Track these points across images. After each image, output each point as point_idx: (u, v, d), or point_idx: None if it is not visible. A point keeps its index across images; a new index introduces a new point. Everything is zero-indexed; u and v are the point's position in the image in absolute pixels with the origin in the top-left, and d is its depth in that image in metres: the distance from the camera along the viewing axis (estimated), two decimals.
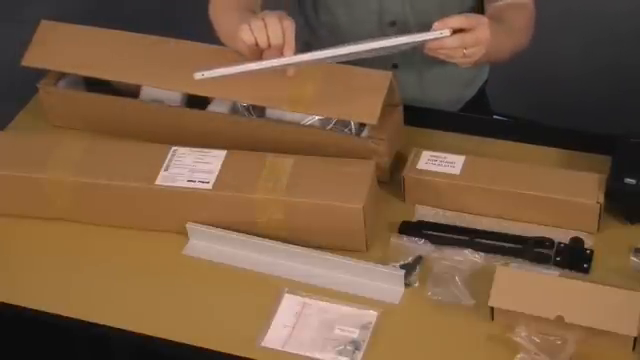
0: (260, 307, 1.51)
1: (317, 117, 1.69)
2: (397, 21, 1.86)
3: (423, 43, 1.54)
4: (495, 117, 2.08)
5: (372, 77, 1.63)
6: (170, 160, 1.62)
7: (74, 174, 1.62)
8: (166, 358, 1.52)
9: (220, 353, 1.46)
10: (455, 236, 1.57)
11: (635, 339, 1.37)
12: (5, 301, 1.57)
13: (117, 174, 1.61)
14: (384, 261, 1.54)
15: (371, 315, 1.48)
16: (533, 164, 1.64)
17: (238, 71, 1.55)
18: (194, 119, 1.74)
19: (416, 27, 1.85)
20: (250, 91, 1.67)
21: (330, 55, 1.55)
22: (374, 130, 1.63)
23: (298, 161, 1.59)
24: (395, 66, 1.87)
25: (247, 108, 1.74)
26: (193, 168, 1.60)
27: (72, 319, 1.53)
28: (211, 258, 1.60)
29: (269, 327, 1.48)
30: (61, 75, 1.83)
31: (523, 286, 1.43)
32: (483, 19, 1.57)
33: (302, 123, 1.69)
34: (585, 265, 1.51)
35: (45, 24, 1.84)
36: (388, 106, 1.63)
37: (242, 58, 1.59)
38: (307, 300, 1.51)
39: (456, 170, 1.61)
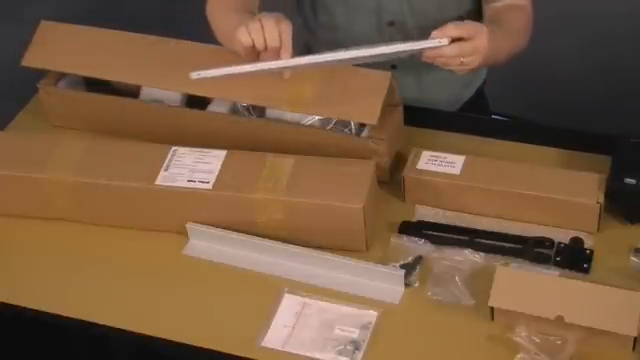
0: (260, 307, 1.51)
1: (317, 117, 1.69)
2: (395, 21, 1.86)
3: (421, 51, 1.55)
4: (495, 117, 2.08)
5: (372, 77, 1.63)
6: (170, 160, 1.62)
7: (74, 174, 1.62)
8: (166, 358, 1.52)
9: (220, 353, 1.46)
10: (455, 236, 1.57)
11: (635, 339, 1.37)
12: (5, 301, 1.57)
13: (117, 174, 1.61)
14: (384, 261, 1.54)
15: (371, 315, 1.48)
16: (533, 164, 1.64)
17: (234, 72, 1.56)
18: (194, 119, 1.74)
19: (415, 27, 1.86)
20: (250, 91, 1.67)
21: (327, 60, 1.56)
22: (374, 130, 1.63)
23: (298, 161, 1.59)
24: (394, 67, 1.87)
25: (247, 108, 1.74)
26: (193, 168, 1.60)
27: (72, 319, 1.53)
28: (211, 258, 1.60)
29: (269, 327, 1.48)
30: (61, 75, 1.83)
31: (523, 286, 1.43)
32: (482, 28, 1.57)
33: (302, 123, 1.69)
34: (585, 265, 1.51)
35: (45, 24, 1.84)
36: (388, 106, 1.63)
37: (240, 59, 1.59)
38: (307, 300, 1.51)
39: (456, 170, 1.61)
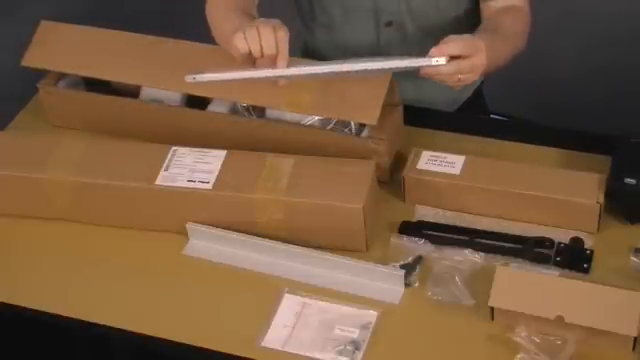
0: (260, 307, 1.51)
1: (317, 117, 1.69)
2: (393, 21, 1.86)
3: (419, 68, 1.55)
4: (495, 117, 2.08)
5: (372, 77, 1.63)
6: (170, 160, 1.62)
7: (74, 174, 1.62)
8: (166, 358, 1.51)
9: (220, 353, 1.46)
10: (455, 236, 1.57)
11: (635, 339, 1.38)
12: (5, 301, 1.57)
13: (117, 174, 1.61)
14: (384, 261, 1.54)
15: (371, 315, 1.48)
16: (533, 164, 1.64)
17: (229, 78, 1.56)
18: (194, 119, 1.74)
19: (413, 27, 1.85)
20: (249, 91, 1.67)
21: (323, 71, 1.57)
22: (374, 130, 1.63)
23: (298, 161, 1.59)
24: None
25: (247, 108, 1.74)
26: (193, 168, 1.60)
27: (72, 319, 1.53)
28: (211, 258, 1.60)
29: (269, 327, 1.48)
30: (61, 75, 1.83)
31: (523, 286, 1.43)
32: (480, 45, 1.57)
33: (302, 123, 1.69)
34: (585, 265, 1.51)
35: (45, 24, 1.84)
36: (388, 106, 1.63)
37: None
38: (307, 300, 1.51)
39: (456, 170, 1.61)
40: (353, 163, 1.58)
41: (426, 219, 1.61)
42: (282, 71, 1.56)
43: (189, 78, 1.58)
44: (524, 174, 1.59)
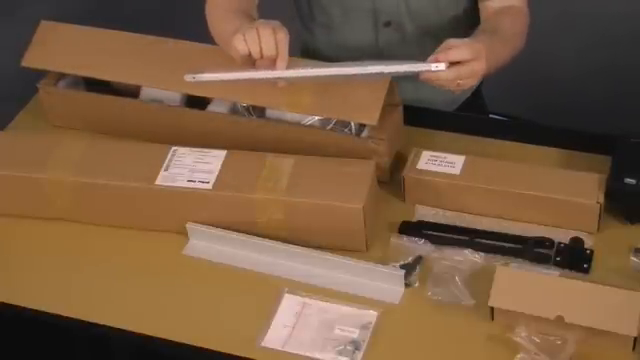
0: (260, 307, 1.51)
1: (317, 117, 1.69)
2: (392, 21, 1.86)
3: (418, 73, 1.55)
4: (495, 117, 2.08)
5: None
6: (170, 160, 1.62)
7: (74, 174, 1.62)
8: (166, 358, 1.52)
9: (220, 353, 1.46)
10: (455, 236, 1.57)
11: (635, 339, 1.38)
12: (5, 301, 1.57)
13: (117, 174, 1.61)
14: (384, 261, 1.54)
15: (371, 315, 1.48)
16: (533, 164, 1.64)
17: (229, 78, 1.56)
18: (194, 119, 1.74)
19: (412, 27, 1.85)
20: (249, 91, 1.67)
21: (323, 74, 1.57)
22: (374, 130, 1.63)
23: (298, 161, 1.59)
24: None
25: (247, 108, 1.74)
26: (193, 168, 1.60)
27: (72, 319, 1.53)
28: (211, 258, 1.60)
29: (269, 327, 1.48)
30: (61, 75, 1.83)
31: (523, 286, 1.43)
32: (480, 51, 1.56)
33: (302, 123, 1.69)
34: (585, 265, 1.51)
35: (45, 24, 1.84)
36: (388, 106, 1.63)
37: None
38: (307, 300, 1.51)
39: (456, 170, 1.61)
40: (353, 163, 1.58)
41: (426, 219, 1.61)
42: (281, 73, 1.56)
43: (189, 77, 1.58)
44: (524, 174, 1.59)
